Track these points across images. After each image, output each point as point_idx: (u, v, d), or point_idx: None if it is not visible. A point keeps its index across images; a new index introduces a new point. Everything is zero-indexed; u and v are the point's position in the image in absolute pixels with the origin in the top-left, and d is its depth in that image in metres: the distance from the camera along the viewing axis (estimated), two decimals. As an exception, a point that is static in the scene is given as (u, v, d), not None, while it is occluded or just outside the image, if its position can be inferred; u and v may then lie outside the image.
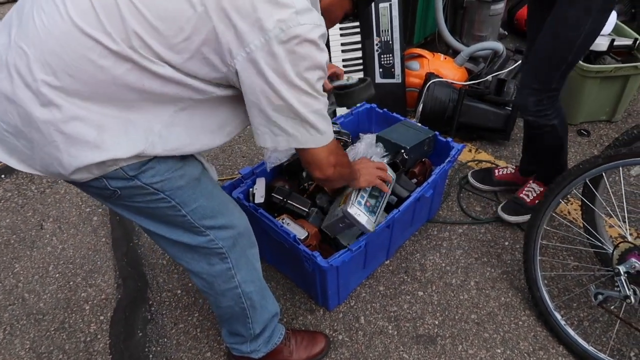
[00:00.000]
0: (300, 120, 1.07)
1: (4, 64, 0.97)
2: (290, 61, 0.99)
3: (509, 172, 2.32)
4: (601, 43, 2.60)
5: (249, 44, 0.96)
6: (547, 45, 1.67)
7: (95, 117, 0.98)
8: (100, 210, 2.33)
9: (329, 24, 1.19)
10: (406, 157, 1.98)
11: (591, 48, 2.62)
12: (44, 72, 0.94)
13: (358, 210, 1.59)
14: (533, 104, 1.78)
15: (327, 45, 2.68)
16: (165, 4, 0.93)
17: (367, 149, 1.99)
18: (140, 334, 1.80)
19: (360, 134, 2.12)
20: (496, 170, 2.34)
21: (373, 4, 2.61)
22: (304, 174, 1.93)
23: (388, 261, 2.02)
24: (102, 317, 1.87)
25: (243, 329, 1.47)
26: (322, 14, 1.11)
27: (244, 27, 0.94)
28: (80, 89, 0.95)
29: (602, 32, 2.71)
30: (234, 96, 1.09)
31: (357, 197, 1.61)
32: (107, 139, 0.99)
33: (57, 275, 2.03)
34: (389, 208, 1.82)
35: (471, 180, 2.37)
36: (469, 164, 2.52)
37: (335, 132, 1.74)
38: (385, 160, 1.99)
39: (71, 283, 2.00)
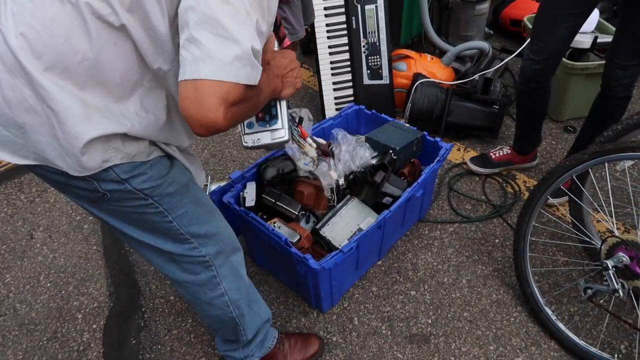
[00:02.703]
0: (230, 40, 0.85)
1: None
2: None
3: (505, 153, 2.43)
4: (584, 40, 2.64)
5: None
6: None
7: (74, 91, 0.92)
8: (91, 218, 2.32)
9: None
10: (394, 157, 1.99)
11: (575, 45, 2.67)
12: (20, 45, 0.87)
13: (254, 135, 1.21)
14: (629, 78, 1.89)
15: (315, 48, 2.69)
16: None
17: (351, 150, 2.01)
18: (134, 342, 1.80)
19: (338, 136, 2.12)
20: (492, 154, 2.45)
21: (359, 6, 2.63)
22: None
23: (380, 262, 2.03)
24: (94, 326, 1.86)
25: (235, 336, 1.46)
26: None
27: None
28: (53, 58, 0.89)
29: (585, 30, 2.76)
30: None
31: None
32: (93, 113, 0.94)
33: (49, 284, 2.02)
34: (381, 208, 1.83)
35: (472, 166, 2.45)
36: (463, 166, 2.54)
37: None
38: (374, 161, 2.01)
39: (63, 292, 1.99)
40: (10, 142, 0.97)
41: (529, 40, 2.00)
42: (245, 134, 1.19)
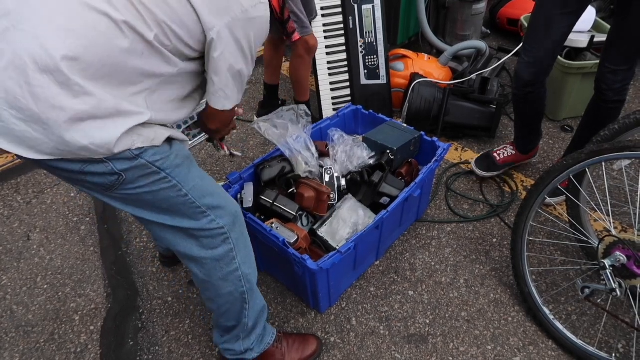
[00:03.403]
0: (240, 84, 1.27)
1: (7, 53, 0.97)
2: (254, 32, 1.18)
3: (509, 154, 2.39)
4: (581, 40, 2.64)
5: (229, 14, 1.12)
6: None
7: (104, 94, 1.04)
8: (87, 219, 2.31)
9: None
10: (392, 157, 1.99)
11: (572, 45, 2.68)
12: (58, 49, 0.97)
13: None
14: (620, 83, 1.87)
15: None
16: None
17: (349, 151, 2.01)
18: (132, 343, 1.79)
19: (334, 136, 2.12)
20: (495, 155, 2.40)
21: (356, 6, 2.63)
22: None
23: (378, 262, 2.03)
24: (92, 327, 1.85)
25: (238, 321, 1.47)
26: None
27: (225, 3, 1.12)
28: (89, 67, 1.01)
29: (582, 29, 2.77)
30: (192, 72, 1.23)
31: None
32: (118, 111, 1.07)
33: (46, 286, 2.02)
34: (378, 208, 1.83)
35: (477, 171, 2.40)
36: (461, 165, 2.54)
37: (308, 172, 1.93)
38: (372, 161, 2.01)
39: (60, 294, 1.98)
40: (28, 138, 1.02)
41: (522, 44, 1.98)
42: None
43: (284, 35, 2.28)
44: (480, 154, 2.45)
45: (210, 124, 1.46)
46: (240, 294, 1.41)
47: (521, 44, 2.14)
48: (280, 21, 2.19)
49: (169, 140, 1.21)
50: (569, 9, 1.79)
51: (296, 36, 2.25)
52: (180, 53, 1.15)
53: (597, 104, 2.00)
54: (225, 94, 1.25)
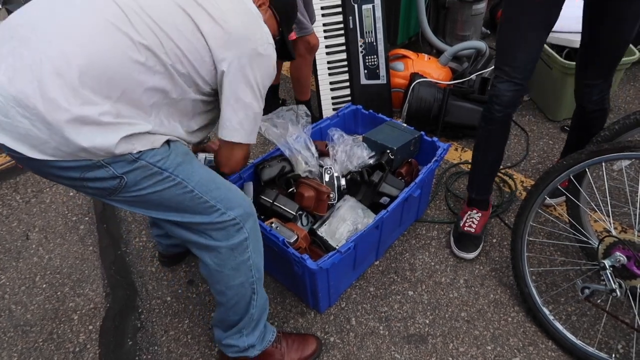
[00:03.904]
0: (253, 120, 1.34)
1: (26, 59, 1.04)
2: (262, 70, 1.28)
3: (479, 218, 2.07)
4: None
5: (240, 48, 1.23)
6: (624, 39, 1.67)
7: (110, 107, 1.10)
8: (87, 218, 2.31)
9: None
10: (392, 157, 1.99)
11: (571, 45, 2.67)
12: (80, 59, 1.05)
13: None
14: (598, 95, 1.82)
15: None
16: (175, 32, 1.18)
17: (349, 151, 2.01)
18: (131, 343, 1.79)
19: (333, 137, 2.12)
20: (469, 228, 2.04)
21: (356, 6, 2.62)
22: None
23: (378, 262, 2.03)
24: (91, 327, 1.85)
25: (244, 314, 1.46)
26: None
27: (237, 40, 1.23)
28: (104, 82, 1.08)
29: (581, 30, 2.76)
30: (201, 100, 1.32)
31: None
32: (121, 120, 1.12)
33: (44, 285, 2.01)
34: (378, 208, 1.83)
35: (467, 255, 2.01)
36: (460, 166, 2.54)
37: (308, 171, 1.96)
38: (372, 160, 2.00)
39: (59, 293, 1.98)
40: (32, 137, 1.06)
41: (495, 61, 1.79)
42: None
43: None
44: (453, 236, 2.09)
45: (222, 167, 1.48)
46: (249, 284, 1.42)
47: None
48: None
49: (167, 141, 1.23)
50: (543, 14, 1.63)
51: (292, 36, 2.24)
52: (193, 83, 1.24)
53: (580, 114, 1.96)
54: (232, 126, 1.31)
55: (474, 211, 2.08)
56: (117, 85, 1.09)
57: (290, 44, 1.60)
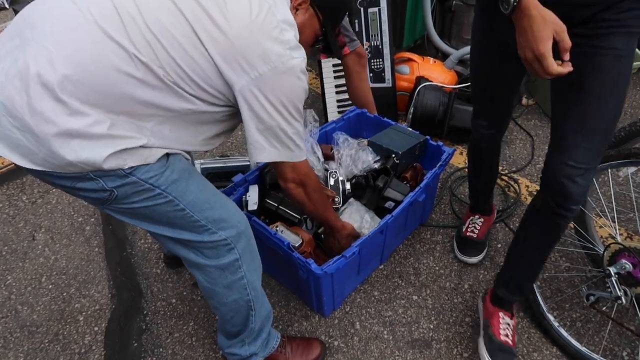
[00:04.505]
0: (286, 138, 1.22)
1: (19, 61, 1.00)
2: (284, 89, 1.15)
3: (481, 223, 2.05)
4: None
5: (254, 71, 1.11)
6: (613, 111, 1.25)
7: (99, 113, 1.04)
8: (92, 219, 2.32)
9: (303, 46, 1.27)
10: (397, 161, 1.99)
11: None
12: (66, 69, 0.99)
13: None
14: (584, 186, 1.29)
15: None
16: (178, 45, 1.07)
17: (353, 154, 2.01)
18: (136, 344, 1.80)
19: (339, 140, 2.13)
20: (470, 233, 2.03)
21: (362, 9, 2.62)
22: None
23: (382, 266, 2.03)
24: (96, 328, 1.86)
25: (244, 326, 1.46)
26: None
27: (248, 59, 1.10)
28: (91, 93, 1.01)
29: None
30: (215, 112, 1.21)
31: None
32: (113, 133, 1.05)
33: (50, 286, 2.02)
34: (383, 212, 1.83)
35: (470, 259, 2.01)
36: (465, 170, 2.54)
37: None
38: (377, 165, 2.00)
39: (65, 294, 1.99)
40: (22, 146, 1.03)
41: (472, 99, 1.72)
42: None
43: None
44: (455, 240, 2.09)
45: (279, 178, 1.37)
46: (245, 302, 1.41)
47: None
48: None
49: (167, 154, 1.18)
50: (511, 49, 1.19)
51: (346, 50, 2.16)
52: (202, 98, 1.14)
53: (541, 217, 1.43)
54: (258, 146, 1.22)
55: (477, 216, 2.07)
56: (108, 96, 1.03)
57: (335, 42, 1.46)
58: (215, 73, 1.10)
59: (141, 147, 1.09)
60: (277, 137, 1.21)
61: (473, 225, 2.04)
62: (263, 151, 1.22)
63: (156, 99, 1.08)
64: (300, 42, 1.22)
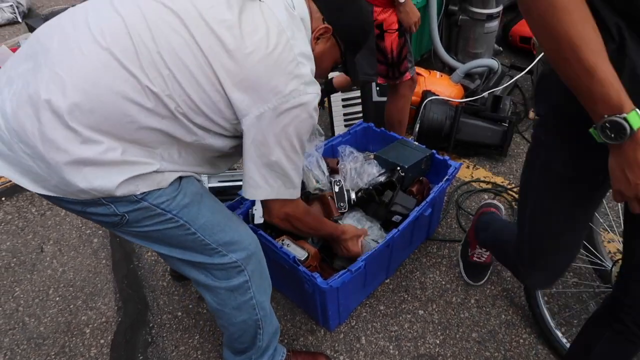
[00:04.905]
0: (283, 176, 1.20)
1: (31, 87, 1.00)
2: (293, 124, 1.13)
3: (485, 256, 1.94)
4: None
5: (265, 104, 1.10)
6: None
7: (113, 144, 1.04)
8: (100, 232, 2.34)
9: (321, 74, 1.30)
10: (402, 174, 1.99)
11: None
12: (77, 97, 0.99)
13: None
14: None
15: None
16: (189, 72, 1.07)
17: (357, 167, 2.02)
18: (141, 358, 1.80)
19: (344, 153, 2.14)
20: (475, 258, 1.95)
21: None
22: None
23: (388, 280, 2.02)
24: (102, 341, 1.86)
25: (252, 343, 1.46)
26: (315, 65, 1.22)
27: (260, 92, 1.09)
28: (102, 121, 1.01)
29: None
30: (222, 144, 1.21)
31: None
32: (123, 161, 1.06)
33: (58, 298, 2.03)
34: (389, 226, 1.83)
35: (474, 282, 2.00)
36: (472, 183, 2.53)
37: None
38: (382, 178, 2.01)
39: (71, 306, 2.00)
40: (34, 173, 1.03)
41: (528, 252, 1.33)
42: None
43: (389, 76, 2.17)
44: (461, 259, 2.04)
45: (265, 212, 1.35)
46: (254, 322, 1.41)
47: (534, 61, 1.93)
48: (391, 62, 2.11)
49: (179, 177, 1.18)
50: (581, 188, 1.12)
51: (407, 76, 2.17)
52: (210, 129, 1.14)
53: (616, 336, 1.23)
54: (253, 183, 1.19)
55: (484, 250, 1.92)
56: (118, 124, 1.02)
57: (354, 68, 1.42)
58: (226, 105, 1.10)
59: (154, 172, 1.10)
60: (274, 174, 1.19)
61: (479, 253, 1.94)
62: (257, 189, 1.20)
63: (165, 127, 1.08)
64: (319, 69, 1.23)
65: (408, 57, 2.13)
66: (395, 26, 2.02)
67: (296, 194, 1.28)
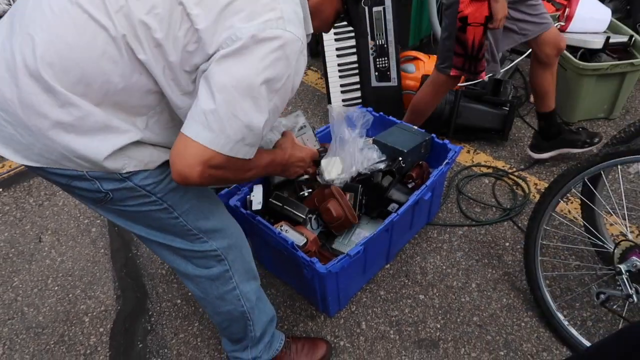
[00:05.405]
0: (245, 127, 0.98)
1: (7, 52, 0.97)
2: (264, 62, 0.95)
3: None
4: (597, 41, 2.60)
5: (233, 32, 0.94)
6: None
7: (92, 109, 0.99)
8: (98, 221, 2.32)
9: (322, 25, 1.20)
10: (403, 165, 1.96)
11: (587, 46, 2.63)
12: (49, 56, 0.94)
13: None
14: None
15: (322, 50, 2.68)
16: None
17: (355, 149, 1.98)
18: (141, 345, 1.79)
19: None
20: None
21: (367, 8, 2.61)
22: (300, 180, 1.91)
23: (388, 265, 2.01)
24: (101, 329, 1.86)
25: (244, 333, 1.45)
26: (312, 16, 1.12)
27: (230, 17, 0.95)
28: (77, 81, 0.96)
29: (597, 30, 2.72)
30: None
31: None
32: (107, 127, 1.01)
33: (56, 288, 2.03)
34: (387, 213, 1.81)
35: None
36: (472, 168, 2.51)
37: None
38: (382, 165, 1.98)
39: (70, 295, 1.99)
40: (15, 142, 1.01)
41: None
42: None
43: (465, 69, 2.07)
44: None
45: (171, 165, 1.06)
46: (240, 313, 1.39)
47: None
48: (470, 55, 2.01)
49: (167, 161, 1.09)
50: None
51: (482, 76, 2.08)
52: (180, 80, 1.02)
53: None
54: (202, 120, 0.96)
55: None
56: (94, 85, 0.96)
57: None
58: (193, 39, 0.96)
59: (140, 144, 1.06)
60: (236, 122, 0.97)
61: None
62: (207, 130, 0.96)
63: (142, 84, 1.00)
64: (319, 20, 1.14)
65: (486, 57, 2.05)
66: (482, 20, 1.92)
67: (251, 152, 1.05)
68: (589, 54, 2.67)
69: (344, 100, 2.76)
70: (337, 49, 2.68)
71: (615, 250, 1.51)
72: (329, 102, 2.76)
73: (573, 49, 2.67)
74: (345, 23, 2.64)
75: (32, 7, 0.99)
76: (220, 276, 1.31)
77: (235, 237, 1.31)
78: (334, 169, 1.87)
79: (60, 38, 0.95)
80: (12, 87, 0.96)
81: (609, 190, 1.71)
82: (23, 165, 1.04)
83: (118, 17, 0.95)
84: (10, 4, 4.61)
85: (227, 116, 0.95)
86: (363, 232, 1.89)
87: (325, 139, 2.12)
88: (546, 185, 2.33)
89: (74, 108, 0.97)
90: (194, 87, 1.02)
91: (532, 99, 2.93)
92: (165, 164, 1.12)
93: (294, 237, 1.67)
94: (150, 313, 1.90)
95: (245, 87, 0.95)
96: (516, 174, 2.43)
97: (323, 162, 1.87)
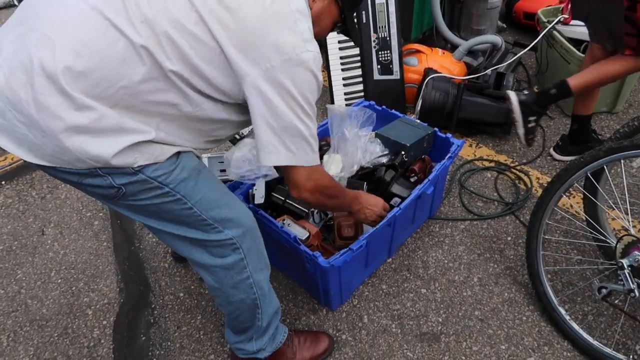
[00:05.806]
0: (301, 139, 1.15)
1: (22, 54, 0.97)
2: (297, 83, 1.09)
3: None
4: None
5: (266, 62, 1.05)
6: None
7: (108, 111, 1.02)
8: (101, 214, 2.33)
9: (321, 34, 1.26)
10: (406, 159, 1.96)
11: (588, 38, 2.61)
12: (69, 60, 0.96)
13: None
14: None
15: (324, 42, 2.67)
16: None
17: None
18: (144, 338, 1.80)
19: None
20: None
21: (369, 1, 2.60)
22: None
23: (390, 259, 2.01)
24: (105, 322, 1.87)
25: (251, 323, 1.46)
26: (313, 24, 1.17)
27: (260, 49, 1.05)
28: (95, 85, 0.99)
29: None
30: (221, 114, 1.18)
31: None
32: (119, 128, 1.03)
33: (60, 280, 2.03)
34: (389, 206, 1.81)
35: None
36: (475, 162, 2.51)
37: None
38: (385, 159, 1.98)
39: (73, 288, 2.00)
40: (29, 142, 1.02)
41: None
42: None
43: (620, 44, 1.91)
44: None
45: (290, 188, 1.27)
46: (252, 301, 1.40)
47: (538, 38, 1.88)
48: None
49: (177, 152, 1.16)
50: None
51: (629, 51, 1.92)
52: (208, 94, 1.10)
53: None
54: (272, 148, 1.13)
55: None
56: (112, 89, 1.00)
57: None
58: (224, 65, 1.06)
59: (151, 142, 1.08)
60: (294, 138, 1.13)
61: None
62: (278, 154, 1.14)
63: (161, 93, 1.05)
64: (318, 30, 1.20)
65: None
66: None
67: (318, 159, 1.22)
68: (593, 48, 2.65)
69: (346, 94, 2.76)
70: (340, 42, 2.67)
71: (618, 245, 1.51)
72: (331, 94, 2.75)
73: (577, 42, 2.65)
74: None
75: (48, 7, 1.00)
76: (235, 265, 1.32)
77: (249, 225, 1.32)
78: (332, 166, 1.87)
79: (81, 43, 0.97)
80: (27, 88, 0.97)
81: (612, 185, 1.71)
82: (37, 165, 1.05)
83: (142, 27, 0.99)
84: (13, 1, 4.61)
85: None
86: (365, 226, 1.89)
87: (325, 134, 2.12)
88: (548, 179, 2.33)
89: (90, 111, 0.99)
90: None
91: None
92: (174, 156, 1.14)
93: (297, 230, 1.68)
94: (153, 306, 1.91)
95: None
96: (518, 168, 2.42)
97: (325, 157, 1.88)
